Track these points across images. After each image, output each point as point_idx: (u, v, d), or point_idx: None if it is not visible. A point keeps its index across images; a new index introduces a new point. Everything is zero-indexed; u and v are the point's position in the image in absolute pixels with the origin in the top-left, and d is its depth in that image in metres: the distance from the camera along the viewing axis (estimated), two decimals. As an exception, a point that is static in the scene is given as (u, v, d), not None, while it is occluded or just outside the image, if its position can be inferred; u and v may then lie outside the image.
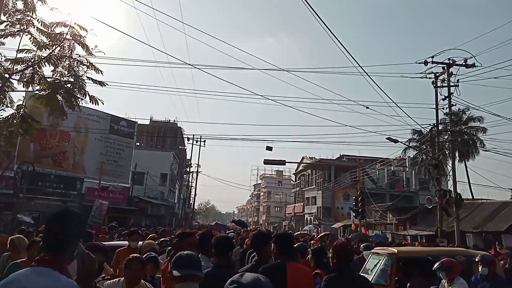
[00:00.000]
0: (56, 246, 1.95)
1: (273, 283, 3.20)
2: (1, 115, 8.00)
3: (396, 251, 5.78)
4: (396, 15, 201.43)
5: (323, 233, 23.49)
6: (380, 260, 5.73)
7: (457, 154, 27.62)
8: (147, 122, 44.51)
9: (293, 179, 64.23)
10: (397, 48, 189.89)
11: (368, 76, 11.68)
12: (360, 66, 11.02)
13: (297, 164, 52.84)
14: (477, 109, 25.04)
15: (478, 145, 31.45)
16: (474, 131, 30.37)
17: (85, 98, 7.60)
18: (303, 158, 51.97)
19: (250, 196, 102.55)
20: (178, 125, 46.80)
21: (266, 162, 24.24)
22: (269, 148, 20.57)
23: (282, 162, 24.43)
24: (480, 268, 4.64)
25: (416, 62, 17.50)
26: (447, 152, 21.72)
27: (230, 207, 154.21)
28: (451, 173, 19.40)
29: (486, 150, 24.77)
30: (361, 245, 8.76)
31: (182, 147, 53.03)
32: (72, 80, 7.47)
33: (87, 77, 7.58)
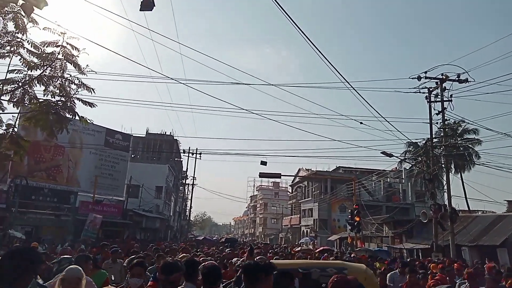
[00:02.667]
0: (5, 281, 2.16)
1: None
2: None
3: None
4: (392, 31, 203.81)
5: (322, 248, 23.17)
6: None
7: (452, 166, 27.70)
8: (143, 135, 44.43)
9: (290, 191, 64.11)
10: (391, 63, 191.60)
11: (355, 90, 11.67)
12: (346, 81, 11.04)
13: (293, 176, 52.81)
14: (470, 123, 25.13)
15: (473, 157, 31.56)
16: (469, 143, 30.51)
17: (74, 118, 7.54)
18: (299, 170, 51.93)
19: (246, 208, 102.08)
20: (174, 138, 46.79)
21: (262, 175, 24.17)
22: (263, 163, 20.55)
23: (278, 176, 24.36)
24: None
25: (409, 77, 17.62)
26: (442, 165, 21.75)
27: (227, 218, 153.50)
28: (446, 187, 19.41)
29: (479, 164, 24.85)
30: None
31: (178, 159, 52.89)
32: (63, 99, 7.43)
33: (77, 98, 7.55)
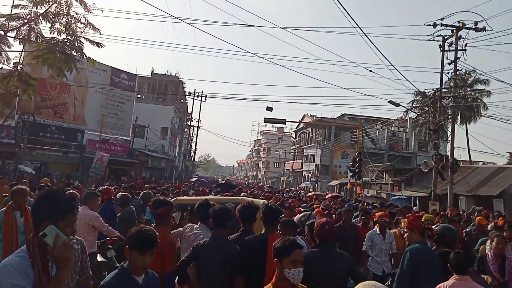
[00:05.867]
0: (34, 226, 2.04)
1: (255, 253, 3.42)
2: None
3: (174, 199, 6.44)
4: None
5: (332, 195, 23.87)
6: None
7: (458, 117, 27.56)
8: (149, 75, 43.95)
9: (293, 136, 64.57)
10: (407, 10, 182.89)
11: (366, 36, 11.34)
12: (358, 26, 10.70)
13: (298, 122, 52.88)
14: (483, 75, 24.58)
15: (481, 109, 31.25)
16: (479, 94, 30.08)
17: (82, 59, 7.44)
18: (304, 116, 51.88)
19: (250, 151, 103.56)
20: (180, 79, 46.30)
21: (267, 120, 24.11)
22: (269, 109, 20.51)
23: (283, 121, 24.39)
24: None
25: (424, 24, 17.03)
26: (448, 116, 21.68)
27: (230, 161, 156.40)
28: (450, 138, 19.50)
29: (485, 116, 24.66)
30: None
31: (183, 101, 52.77)
32: (70, 38, 7.28)
33: (84, 38, 7.40)
